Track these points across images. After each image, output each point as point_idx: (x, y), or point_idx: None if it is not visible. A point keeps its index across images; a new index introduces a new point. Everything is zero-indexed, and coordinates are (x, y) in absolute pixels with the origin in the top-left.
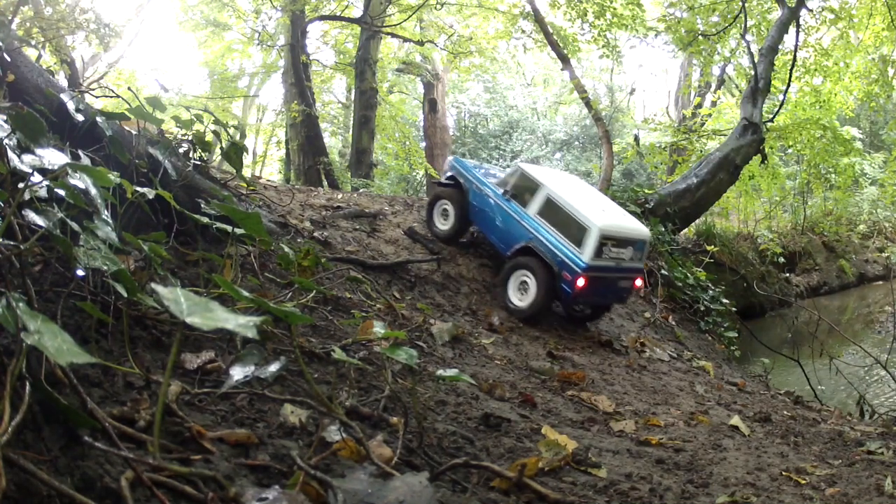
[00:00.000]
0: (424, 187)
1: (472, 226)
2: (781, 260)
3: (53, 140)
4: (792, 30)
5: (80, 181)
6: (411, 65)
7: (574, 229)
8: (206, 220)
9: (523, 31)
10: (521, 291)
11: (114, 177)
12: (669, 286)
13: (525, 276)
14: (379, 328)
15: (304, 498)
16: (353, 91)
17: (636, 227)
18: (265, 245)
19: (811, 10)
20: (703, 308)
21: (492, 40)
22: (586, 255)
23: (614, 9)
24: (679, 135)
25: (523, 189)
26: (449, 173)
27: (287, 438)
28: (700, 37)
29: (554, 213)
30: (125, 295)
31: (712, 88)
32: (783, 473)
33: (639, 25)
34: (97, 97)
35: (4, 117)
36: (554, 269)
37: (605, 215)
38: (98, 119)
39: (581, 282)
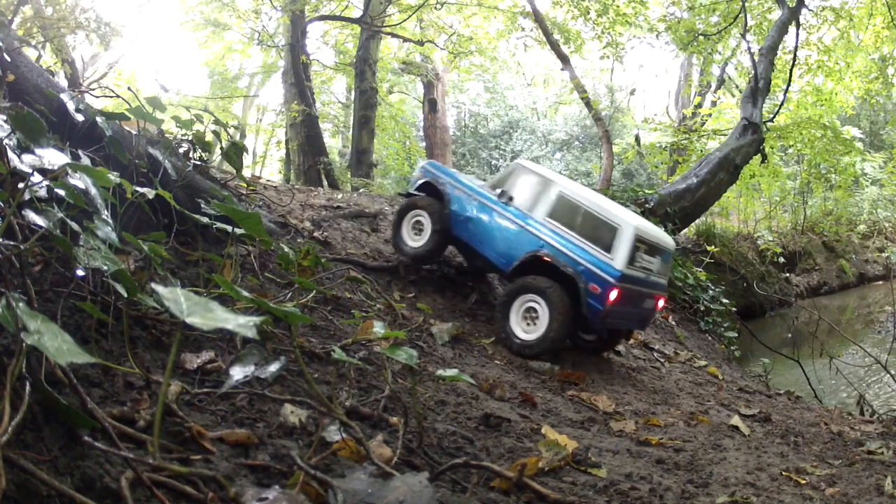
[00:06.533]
0: None
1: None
2: (781, 260)
3: (53, 140)
4: (792, 29)
5: (80, 181)
6: (411, 65)
7: (600, 230)
8: (206, 220)
9: (523, 30)
10: (529, 321)
11: (114, 177)
12: (669, 286)
13: (533, 300)
14: (379, 328)
15: (304, 498)
16: (353, 91)
17: (666, 236)
18: (265, 245)
19: (812, 10)
20: (703, 308)
21: (492, 40)
22: (619, 260)
23: (617, 6)
24: (679, 135)
25: (524, 189)
26: (422, 180)
27: (287, 438)
28: (700, 37)
29: (570, 213)
30: (125, 295)
31: (712, 88)
32: (783, 473)
33: (643, 22)
34: (97, 97)
35: (4, 117)
36: (578, 285)
37: (632, 215)
38: (98, 119)
39: (614, 294)
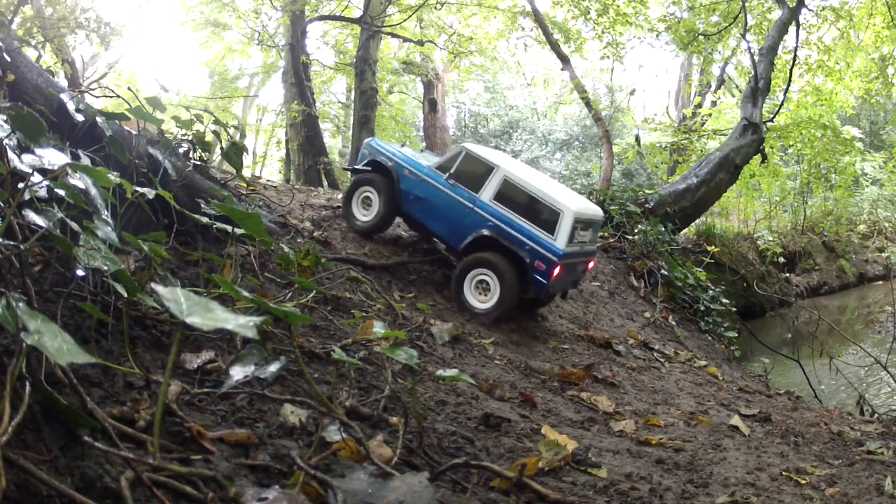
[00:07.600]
0: None
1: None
2: (781, 260)
3: (53, 140)
4: (792, 29)
5: (80, 181)
6: (411, 65)
7: (543, 214)
8: (206, 220)
9: (523, 30)
10: (482, 291)
11: (114, 177)
12: (669, 286)
13: (484, 274)
14: (379, 328)
15: (304, 498)
16: (353, 91)
17: (596, 209)
18: (265, 245)
19: (812, 10)
20: (703, 308)
21: (492, 40)
22: (561, 241)
23: (617, 6)
24: (679, 135)
25: (470, 172)
26: (369, 157)
27: (287, 438)
28: (700, 37)
29: (515, 196)
30: (125, 295)
31: (712, 88)
32: (783, 473)
33: (643, 22)
34: (97, 97)
35: (4, 117)
36: (524, 260)
37: (571, 197)
38: (98, 119)
39: (557, 270)
